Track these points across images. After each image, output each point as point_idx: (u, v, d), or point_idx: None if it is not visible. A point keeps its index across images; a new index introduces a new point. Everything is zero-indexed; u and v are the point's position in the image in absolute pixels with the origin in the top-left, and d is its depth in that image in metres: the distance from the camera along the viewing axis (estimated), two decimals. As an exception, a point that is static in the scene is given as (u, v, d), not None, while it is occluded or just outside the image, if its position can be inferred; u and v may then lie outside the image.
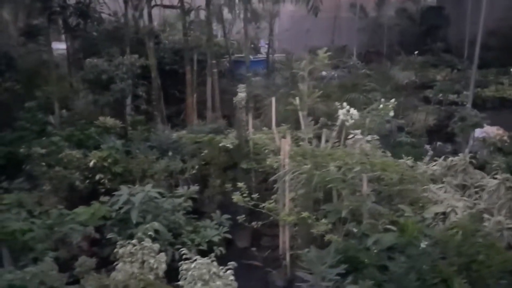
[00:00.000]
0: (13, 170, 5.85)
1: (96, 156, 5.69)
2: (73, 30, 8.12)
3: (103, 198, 4.66)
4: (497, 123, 7.73)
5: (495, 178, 5.33)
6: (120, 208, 4.45)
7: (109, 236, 4.19)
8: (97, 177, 5.57)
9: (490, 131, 7.41)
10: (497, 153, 6.76)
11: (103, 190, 5.41)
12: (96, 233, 4.39)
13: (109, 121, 6.64)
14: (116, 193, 4.67)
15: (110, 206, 4.66)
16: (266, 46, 12.02)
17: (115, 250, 3.89)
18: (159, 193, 4.84)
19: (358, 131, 5.33)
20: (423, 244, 3.80)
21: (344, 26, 15.16)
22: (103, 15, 8.67)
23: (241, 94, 5.96)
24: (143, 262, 3.82)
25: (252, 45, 11.86)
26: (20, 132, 6.09)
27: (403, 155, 5.81)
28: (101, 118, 6.61)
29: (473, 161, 6.01)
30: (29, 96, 7.81)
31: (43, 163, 5.39)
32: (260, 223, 4.93)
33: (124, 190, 4.63)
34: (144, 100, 7.50)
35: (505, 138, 7.11)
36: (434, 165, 6.06)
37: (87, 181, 5.56)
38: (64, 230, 4.14)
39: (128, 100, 7.37)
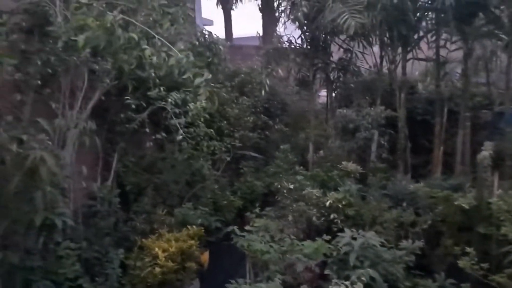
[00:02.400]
0: (271, 199, 7.13)
1: (333, 197, 6.31)
2: (333, 82, 9.23)
3: (326, 237, 5.17)
4: None
5: None
6: (341, 248, 4.88)
7: (326, 272, 4.65)
8: (332, 216, 6.16)
9: None
10: None
11: (335, 229, 5.94)
12: (317, 267, 4.92)
13: (351, 166, 7.20)
14: (340, 234, 5.13)
15: (333, 245, 5.14)
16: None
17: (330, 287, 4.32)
18: (381, 242, 5.03)
19: None
20: None
21: None
22: (362, 69, 9.48)
23: (485, 152, 5.55)
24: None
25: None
26: (276, 168, 7.36)
27: None
28: (344, 163, 7.24)
29: None
30: (293, 137, 9.30)
31: (289, 197, 6.36)
32: (488, 296, 4.49)
33: (347, 232, 5.04)
34: (387, 149, 7.78)
35: None
36: None
37: (323, 218, 6.20)
38: (292, 258, 4.85)
39: (373, 147, 7.80)
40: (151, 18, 4.33)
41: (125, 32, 3.72)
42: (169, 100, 5.84)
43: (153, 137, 6.41)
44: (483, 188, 5.56)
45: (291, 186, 6.51)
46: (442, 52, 8.14)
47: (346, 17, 7.14)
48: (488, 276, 4.36)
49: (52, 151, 4.02)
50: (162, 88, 5.80)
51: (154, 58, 3.72)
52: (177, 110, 5.96)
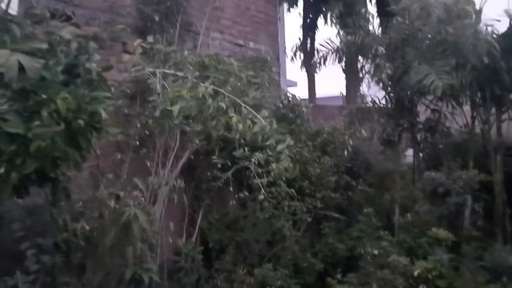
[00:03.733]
0: (354, 263, 6.85)
1: (422, 266, 5.91)
2: (420, 143, 8.90)
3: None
4: None
5: None
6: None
7: None
8: (421, 287, 5.74)
9: None
10: None
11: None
12: None
13: (442, 233, 6.74)
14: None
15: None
16: None
17: None
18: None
19: None
20: None
21: None
22: (452, 129, 9.06)
23: None
24: None
25: None
26: (359, 232, 7.10)
27: None
28: (433, 229, 6.81)
29: None
30: (377, 198, 8.97)
31: (373, 263, 6.06)
32: None
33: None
34: (482, 216, 7.19)
35: None
36: None
37: (411, 288, 5.81)
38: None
39: (466, 214, 7.26)
40: (239, 87, 4.63)
41: (215, 101, 4.02)
42: (253, 160, 6.03)
43: (237, 195, 6.59)
44: None
45: (376, 252, 6.22)
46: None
47: (432, 78, 6.98)
48: None
49: (144, 207, 4.31)
50: (246, 149, 6.03)
51: (240, 125, 3.94)
52: (260, 170, 6.11)
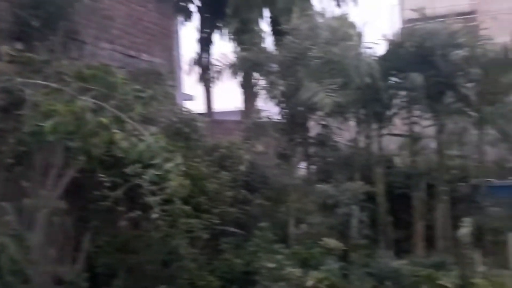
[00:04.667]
0: (252, 277, 6.83)
1: (314, 276, 6.09)
2: (311, 157, 9.32)
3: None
4: None
5: None
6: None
7: None
8: (314, 296, 5.90)
9: None
10: None
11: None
12: None
13: (332, 242, 7.05)
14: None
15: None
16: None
17: None
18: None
19: None
20: None
21: None
22: (339, 143, 9.63)
23: (465, 229, 5.53)
24: None
25: (499, 168, 10.72)
26: (256, 247, 7.14)
27: None
28: (325, 239, 7.09)
29: None
30: (274, 211, 9.13)
31: (269, 277, 6.10)
32: None
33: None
34: (368, 224, 7.69)
35: None
36: None
37: (304, 299, 5.93)
38: None
39: (353, 224, 7.69)
40: (125, 102, 4.35)
41: (94, 117, 3.70)
42: (145, 177, 5.72)
43: (128, 215, 6.20)
44: (466, 267, 5.46)
45: (271, 266, 6.28)
46: (418, 127, 8.37)
47: (321, 95, 7.36)
48: None
49: (18, 234, 3.81)
50: (138, 166, 5.71)
51: (124, 143, 3.68)
52: (153, 187, 5.83)
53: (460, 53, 7.48)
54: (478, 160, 8.93)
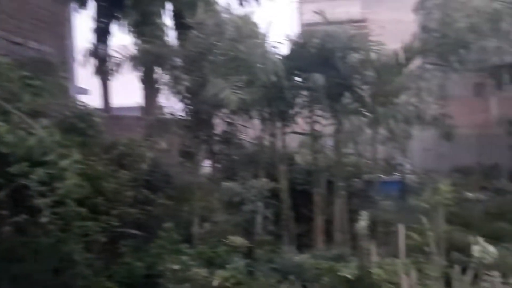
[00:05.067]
0: (155, 281, 6.52)
1: (221, 276, 5.99)
2: (217, 154, 9.23)
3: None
4: None
5: None
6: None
7: None
8: (219, 298, 5.80)
9: None
10: None
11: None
12: None
13: (238, 240, 7.02)
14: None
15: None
16: (404, 166, 11.70)
17: None
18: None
19: (497, 274, 4.71)
20: None
21: (493, 144, 14.07)
22: (244, 141, 9.67)
23: (362, 222, 5.85)
24: None
25: (387, 165, 11.67)
26: (159, 248, 6.85)
27: None
28: (230, 237, 7.03)
29: None
30: (177, 211, 8.85)
31: (174, 279, 5.86)
32: None
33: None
34: (272, 221, 7.81)
35: None
36: None
37: (212, 300, 5.80)
38: None
39: (258, 221, 7.76)
40: (10, 91, 3.81)
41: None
42: (33, 177, 5.12)
43: (13, 219, 5.52)
44: (364, 257, 5.77)
45: (176, 267, 6.04)
46: (319, 126, 8.70)
47: (227, 92, 7.28)
48: None
49: None
50: (25, 164, 5.09)
51: (10, 137, 3.20)
52: (43, 188, 5.25)
53: (357, 56, 7.93)
54: (370, 158, 9.57)
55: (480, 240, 5.02)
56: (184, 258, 6.34)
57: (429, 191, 6.08)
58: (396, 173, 11.51)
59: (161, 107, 11.08)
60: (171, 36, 13.09)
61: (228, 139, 9.39)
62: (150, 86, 13.72)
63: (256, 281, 6.16)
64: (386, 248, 6.47)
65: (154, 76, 11.19)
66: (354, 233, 7.51)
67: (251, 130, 9.39)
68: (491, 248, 4.93)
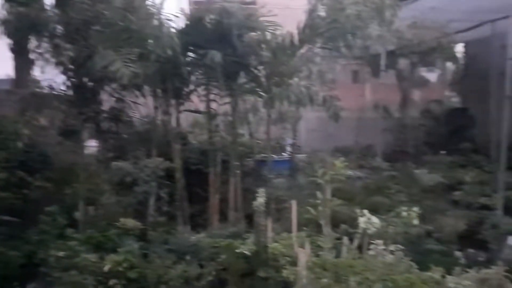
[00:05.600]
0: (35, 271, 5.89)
1: (112, 260, 5.63)
2: (105, 133, 8.60)
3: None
4: (531, 230, 7.31)
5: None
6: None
7: None
8: (111, 282, 5.45)
9: (525, 239, 7.01)
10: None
11: (117, 298, 5.27)
12: None
13: (130, 222, 6.67)
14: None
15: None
16: (292, 146, 12.22)
17: None
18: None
19: (380, 242, 5.15)
20: None
21: (369, 126, 15.41)
22: (135, 119, 9.17)
23: (260, 199, 5.94)
24: None
25: (278, 145, 12.10)
26: (41, 235, 6.19)
27: (432, 265, 5.47)
28: (122, 220, 6.65)
29: (509, 275, 5.58)
30: (58, 194, 8.08)
31: (59, 267, 5.35)
32: None
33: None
34: (167, 201, 7.57)
35: (543, 247, 6.67)
36: (466, 277, 5.65)
37: (101, 286, 5.43)
38: None
39: (151, 202, 7.45)
40: None
41: None
42: None
43: None
44: (260, 234, 5.88)
45: (61, 254, 5.52)
46: (214, 105, 8.59)
47: (118, 65, 6.76)
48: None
49: None
50: None
51: None
52: None
53: (253, 35, 7.96)
54: (263, 138, 9.79)
55: (366, 212, 5.42)
56: (71, 243, 5.82)
57: (318, 168, 6.37)
58: (286, 153, 12.02)
59: (36, 80, 9.96)
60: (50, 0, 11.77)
61: (117, 116, 8.82)
62: (23, 56, 12.25)
63: (151, 263, 5.92)
64: (281, 223, 6.70)
65: (29, 44, 9.97)
66: (249, 211, 7.67)
67: (142, 107, 8.94)
68: (375, 219, 5.35)
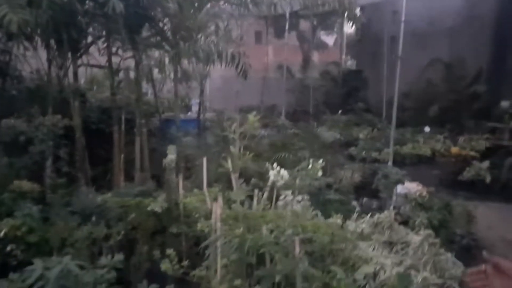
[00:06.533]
0: None
1: (8, 225, 5.18)
2: (-11, 88, 7.69)
3: (13, 276, 4.17)
4: (416, 178, 8.22)
5: (419, 234, 5.56)
6: (33, 285, 4.00)
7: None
8: (9, 248, 5.04)
9: (411, 187, 7.84)
10: (418, 209, 7.11)
11: (15, 263, 4.89)
12: (4, 316, 3.88)
13: (26, 185, 6.14)
14: (28, 267, 4.21)
15: (22, 282, 4.18)
16: (198, 105, 12.10)
17: (25, 335, 3.43)
18: (80, 265, 4.45)
19: (289, 192, 5.39)
20: (356, 308, 3.78)
21: (273, 87, 15.80)
22: (24, 73, 8.30)
23: (171, 156, 5.82)
24: None
25: (183, 104, 11.88)
26: None
27: (333, 213, 5.91)
28: (16, 182, 6.09)
29: (398, 217, 6.26)
30: None
31: None
32: (191, 292, 4.64)
33: (37, 263, 4.19)
34: (67, 162, 7.08)
35: (424, 193, 7.53)
36: (362, 222, 6.23)
37: (-4, 253, 4.99)
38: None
39: (49, 162, 6.91)
40: None
41: None
42: None
43: None
44: (172, 190, 5.80)
45: None
46: (117, 59, 8.09)
47: (5, 10, 5.97)
48: (189, 273, 4.52)
49: None
50: None
51: None
52: None
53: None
54: (169, 96, 9.54)
55: (275, 166, 5.61)
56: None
57: (229, 125, 6.40)
58: (193, 112, 11.87)
59: None
60: None
61: (3, 70, 7.89)
62: None
63: (52, 226, 5.55)
64: (192, 181, 6.68)
65: None
66: (157, 172, 7.51)
67: (33, 61, 8.10)
68: (284, 172, 5.57)
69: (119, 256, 5.06)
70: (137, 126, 8.09)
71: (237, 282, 4.13)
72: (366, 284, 4.68)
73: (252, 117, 5.04)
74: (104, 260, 5.02)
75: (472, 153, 10.77)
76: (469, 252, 6.35)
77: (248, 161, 5.82)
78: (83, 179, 7.45)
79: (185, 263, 4.61)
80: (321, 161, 6.40)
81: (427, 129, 13.37)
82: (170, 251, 4.67)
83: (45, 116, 7.02)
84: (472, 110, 14.03)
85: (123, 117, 8.31)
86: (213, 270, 4.58)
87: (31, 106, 7.33)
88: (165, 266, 4.57)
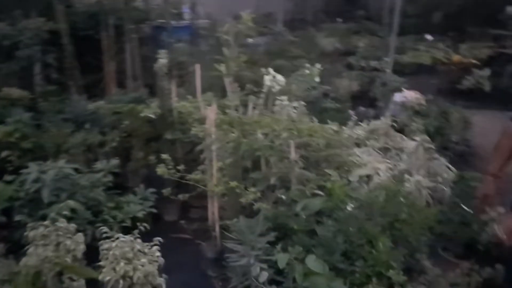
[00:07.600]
0: None
1: (1, 131, 5.11)
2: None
3: (8, 177, 4.19)
4: (414, 87, 8.06)
5: (414, 140, 5.57)
6: (30, 187, 4.04)
7: (17, 218, 3.79)
8: (3, 154, 5.02)
9: (409, 95, 7.72)
10: (415, 116, 7.06)
11: (11, 168, 4.89)
12: (3, 216, 3.96)
13: (15, 92, 5.99)
14: (24, 171, 4.22)
15: (19, 185, 4.22)
16: (191, 11, 11.52)
17: (25, 233, 3.51)
18: (75, 169, 4.47)
19: (285, 97, 5.28)
20: (349, 207, 3.86)
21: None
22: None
23: (162, 60, 5.60)
24: (58, 244, 3.49)
25: (175, 11, 11.29)
26: None
27: (329, 121, 5.86)
28: (5, 89, 5.93)
29: (394, 124, 6.23)
30: None
31: None
32: (187, 195, 4.70)
33: (33, 167, 4.20)
34: (56, 69, 6.84)
35: (422, 102, 7.44)
36: (358, 129, 6.21)
37: (-8, 158, 4.99)
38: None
39: (37, 69, 6.68)
40: None
41: None
42: None
43: None
44: (165, 97, 5.68)
45: None
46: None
47: None
48: (185, 176, 4.55)
49: None
50: None
51: None
52: None
53: None
54: (158, 2, 9.02)
55: (271, 71, 5.43)
56: None
57: (222, 29, 6.08)
58: (185, 19, 11.31)
59: None
60: None
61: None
62: None
63: (46, 133, 5.50)
64: (185, 88, 6.50)
65: None
66: (149, 80, 7.30)
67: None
68: (280, 77, 5.41)
69: (115, 161, 5.09)
70: (127, 32, 7.73)
71: (233, 184, 4.17)
72: (360, 186, 4.76)
73: (246, 15, 4.77)
74: (100, 164, 5.05)
75: (474, 61, 10.50)
76: (462, 157, 6.43)
77: (242, 65, 5.65)
78: (74, 87, 7.26)
79: (181, 167, 4.64)
80: (318, 66, 6.23)
81: (429, 37, 12.91)
82: (165, 156, 4.67)
83: (29, 19, 6.64)
84: (477, 16, 13.44)
85: (111, 23, 7.88)
86: (209, 173, 4.62)
87: (14, 9, 6.89)
88: (161, 170, 4.59)
